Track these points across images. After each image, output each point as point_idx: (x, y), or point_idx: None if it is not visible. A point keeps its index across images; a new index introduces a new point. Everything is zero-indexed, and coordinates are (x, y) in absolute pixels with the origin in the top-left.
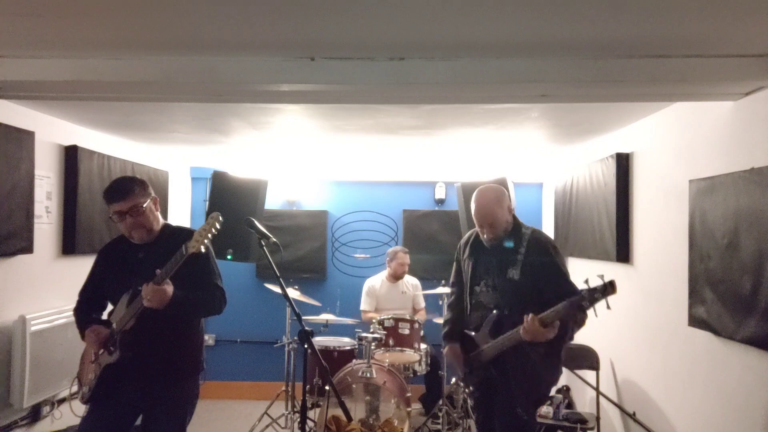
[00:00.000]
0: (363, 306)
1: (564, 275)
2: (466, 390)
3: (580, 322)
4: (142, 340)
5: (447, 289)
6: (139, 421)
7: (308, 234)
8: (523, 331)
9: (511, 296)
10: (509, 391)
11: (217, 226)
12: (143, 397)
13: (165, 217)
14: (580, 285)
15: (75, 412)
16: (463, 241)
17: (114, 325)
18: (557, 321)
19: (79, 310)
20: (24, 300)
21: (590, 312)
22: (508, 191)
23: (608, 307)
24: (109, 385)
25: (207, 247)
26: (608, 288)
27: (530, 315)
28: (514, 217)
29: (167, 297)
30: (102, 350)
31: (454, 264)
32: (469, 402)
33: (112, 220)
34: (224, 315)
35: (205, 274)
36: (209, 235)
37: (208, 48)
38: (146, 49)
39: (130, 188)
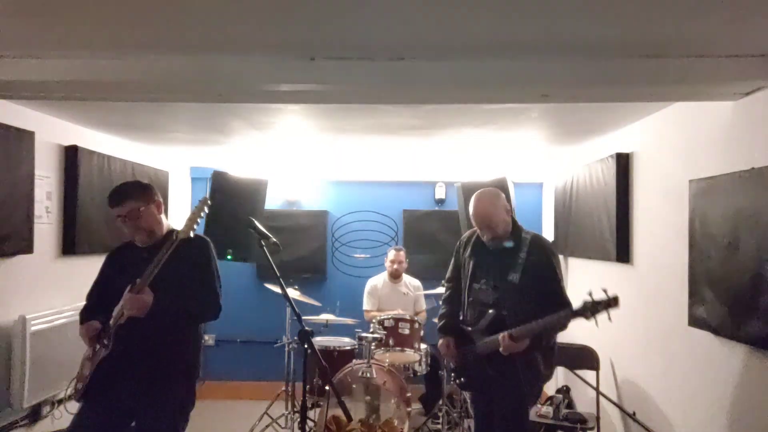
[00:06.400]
0: (365, 306)
1: (558, 282)
2: (456, 382)
3: (561, 328)
4: (135, 334)
5: (445, 283)
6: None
7: (308, 234)
8: (502, 348)
9: (511, 298)
10: (516, 386)
11: (206, 209)
12: (136, 400)
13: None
14: (581, 294)
15: (75, 412)
16: (464, 238)
17: (111, 321)
18: (527, 337)
19: (84, 312)
20: (24, 300)
21: (591, 322)
22: (507, 191)
23: (609, 319)
24: (102, 383)
25: (209, 247)
26: (611, 302)
27: (504, 334)
28: (514, 221)
29: (146, 305)
30: (98, 346)
31: (452, 260)
32: (467, 398)
33: (116, 224)
34: (224, 315)
35: (204, 278)
36: (198, 219)
37: (208, 48)
38: (146, 49)
39: (127, 193)
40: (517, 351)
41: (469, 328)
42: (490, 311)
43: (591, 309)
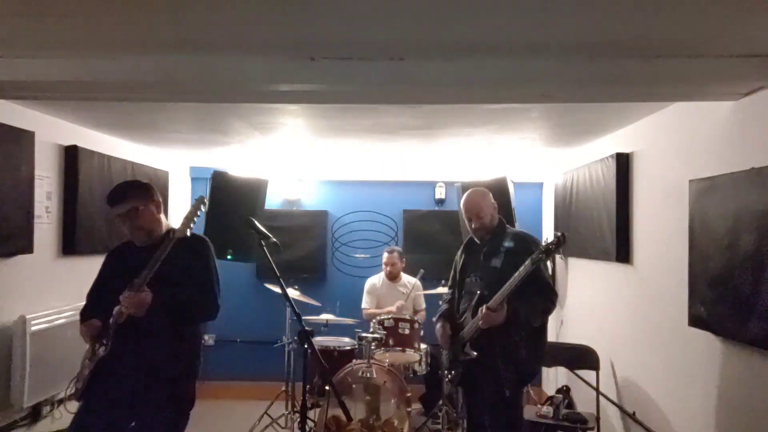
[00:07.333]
0: (364, 304)
1: (539, 269)
2: (448, 377)
3: (546, 310)
4: (134, 333)
5: (447, 289)
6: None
7: (308, 234)
8: (481, 321)
9: (492, 280)
10: (496, 372)
11: (203, 208)
12: (136, 399)
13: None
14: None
15: (75, 412)
16: (460, 248)
17: (111, 320)
18: (504, 304)
19: (84, 312)
20: (24, 300)
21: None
22: (507, 191)
23: (562, 257)
24: (102, 382)
25: (207, 247)
26: (561, 239)
27: (481, 307)
28: (500, 219)
29: (145, 304)
30: (98, 345)
31: (453, 269)
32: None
33: (115, 224)
34: (224, 315)
35: (202, 277)
36: (194, 218)
37: (208, 48)
38: (146, 49)
39: (126, 192)
40: (496, 322)
41: (459, 320)
42: (476, 293)
43: (545, 251)
